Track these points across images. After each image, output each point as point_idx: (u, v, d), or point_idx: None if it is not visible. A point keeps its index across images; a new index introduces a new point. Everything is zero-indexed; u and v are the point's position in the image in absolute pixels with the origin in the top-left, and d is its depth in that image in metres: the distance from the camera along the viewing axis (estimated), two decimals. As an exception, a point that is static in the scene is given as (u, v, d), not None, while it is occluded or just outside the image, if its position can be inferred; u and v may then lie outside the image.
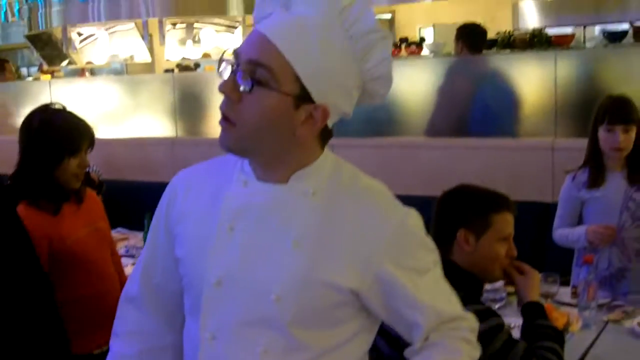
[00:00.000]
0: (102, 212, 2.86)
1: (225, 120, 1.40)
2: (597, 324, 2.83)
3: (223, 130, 1.42)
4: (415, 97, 4.97)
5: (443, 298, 1.53)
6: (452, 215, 2.26)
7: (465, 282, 2.13)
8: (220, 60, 1.43)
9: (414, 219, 1.48)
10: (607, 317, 2.89)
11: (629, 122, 3.12)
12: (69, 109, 2.75)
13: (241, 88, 1.37)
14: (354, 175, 1.51)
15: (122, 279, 2.84)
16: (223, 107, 1.41)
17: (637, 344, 2.68)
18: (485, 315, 2.06)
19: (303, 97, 1.38)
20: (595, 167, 3.22)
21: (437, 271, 1.52)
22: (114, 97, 6.24)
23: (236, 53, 1.40)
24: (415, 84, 4.96)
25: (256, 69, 1.37)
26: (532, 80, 4.59)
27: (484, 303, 2.20)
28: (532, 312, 2.23)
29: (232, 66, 1.40)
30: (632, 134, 3.14)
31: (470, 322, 1.57)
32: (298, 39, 1.38)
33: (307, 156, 1.45)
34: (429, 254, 1.51)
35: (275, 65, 1.36)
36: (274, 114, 1.38)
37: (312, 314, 1.42)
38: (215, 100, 5.97)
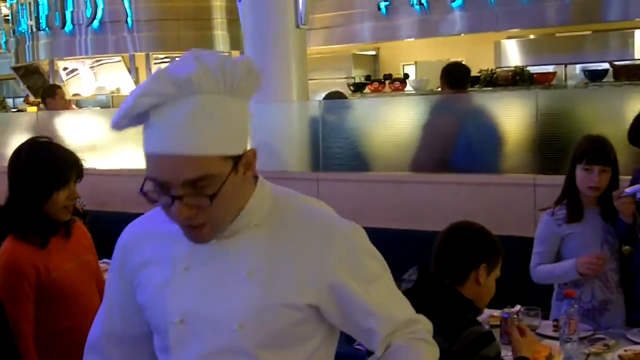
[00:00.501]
0: (90, 244, 2.86)
1: (195, 227, 1.42)
2: (579, 357, 2.86)
3: (195, 235, 1.44)
4: (399, 132, 5.02)
5: (396, 303, 1.59)
6: (474, 251, 2.40)
7: (471, 309, 2.30)
8: (147, 190, 1.40)
9: (356, 230, 1.54)
10: (589, 350, 2.92)
11: (607, 163, 3.20)
12: (55, 140, 2.76)
13: (199, 204, 1.38)
14: (293, 199, 1.56)
15: None
16: (186, 222, 1.41)
17: (618, 377, 2.71)
18: (489, 338, 2.23)
19: (236, 161, 1.41)
20: (573, 203, 3.30)
21: (387, 278, 1.58)
22: (100, 129, 6.26)
23: (162, 182, 1.38)
24: (399, 120, 5.02)
25: (198, 183, 1.37)
26: (514, 118, 4.65)
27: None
28: None
29: (165, 192, 1.38)
30: (609, 175, 3.21)
31: (426, 324, 1.65)
32: (205, 131, 1.36)
33: (244, 200, 1.49)
34: (377, 263, 1.56)
35: (210, 167, 1.37)
36: (231, 193, 1.41)
37: (275, 336, 1.46)
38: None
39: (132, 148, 6.11)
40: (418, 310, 1.67)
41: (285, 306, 1.45)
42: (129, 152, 6.14)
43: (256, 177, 1.51)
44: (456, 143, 4.88)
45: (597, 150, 3.22)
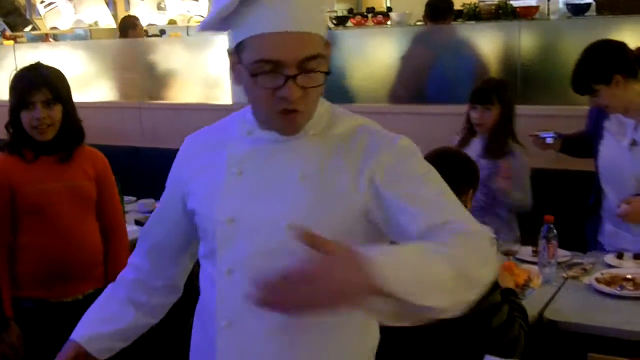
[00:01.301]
0: (96, 174, 2.91)
1: (293, 111, 1.46)
2: (557, 281, 2.92)
3: (291, 121, 1.47)
4: (380, 65, 5.01)
5: (450, 205, 1.47)
6: (462, 176, 2.50)
7: None
8: (256, 74, 1.43)
9: (406, 140, 1.54)
10: (567, 274, 2.99)
11: (487, 102, 3.62)
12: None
13: (310, 84, 1.43)
14: (349, 116, 1.59)
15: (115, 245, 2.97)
16: (290, 106, 1.44)
17: (594, 299, 2.77)
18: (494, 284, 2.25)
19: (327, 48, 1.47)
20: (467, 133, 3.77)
21: (439, 180, 1.51)
22: (79, 62, 6.18)
23: (277, 61, 1.41)
24: (381, 52, 4.99)
25: (312, 62, 1.42)
26: (496, 50, 4.65)
27: None
28: (508, 294, 2.41)
29: (276, 73, 1.41)
30: (492, 112, 3.62)
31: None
32: (313, 10, 1.43)
33: None
34: (424, 165, 1.52)
35: (320, 47, 1.44)
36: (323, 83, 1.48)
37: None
38: (181, 67, 5.96)
39: (111, 81, 6.06)
40: None
41: (334, 210, 1.47)
42: (108, 85, 6.08)
43: None
44: (436, 75, 4.88)
45: (480, 90, 3.71)
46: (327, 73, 1.45)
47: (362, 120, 1.58)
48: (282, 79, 1.40)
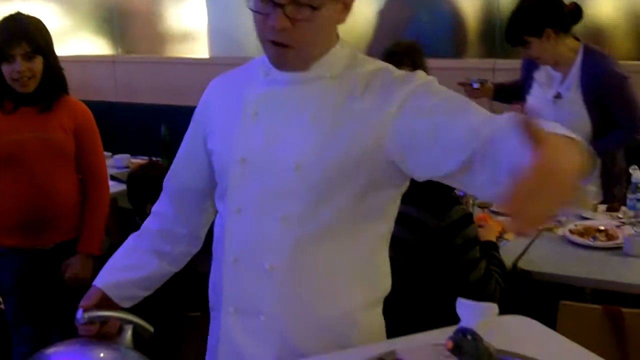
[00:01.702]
0: (76, 126, 2.92)
1: (281, 45, 1.45)
2: (531, 232, 2.95)
3: (279, 54, 1.47)
4: (359, 19, 4.97)
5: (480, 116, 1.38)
6: None
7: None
8: None
9: (421, 74, 1.51)
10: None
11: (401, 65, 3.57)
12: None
13: (298, 17, 1.41)
14: (367, 60, 1.57)
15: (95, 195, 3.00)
16: (277, 37, 1.43)
17: (567, 250, 2.82)
18: (470, 219, 2.33)
19: None
20: None
21: (436, 81, 1.49)
22: (52, 15, 6.07)
23: None
24: (359, 7, 4.93)
25: None
26: (476, 5, 4.63)
27: None
28: (489, 247, 2.44)
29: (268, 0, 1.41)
30: None
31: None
32: None
33: (328, 45, 1.52)
34: (443, 91, 1.47)
35: None
36: (323, 23, 1.45)
37: (331, 182, 1.48)
38: (157, 17, 5.88)
39: (84, 34, 5.97)
40: (406, 191, 1.63)
41: (344, 152, 1.46)
42: (81, 39, 5.99)
43: (338, 37, 1.55)
44: (415, 29, 4.86)
45: (390, 53, 3.51)
46: (314, 8, 1.40)
47: (384, 64, 1.56)
48: (271, 5, 1.41)
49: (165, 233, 1.77)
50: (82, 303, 1.68)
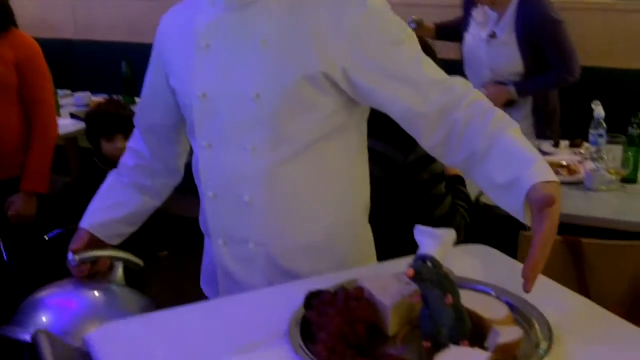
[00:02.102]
0: (18, 60, 2.87)
1: None
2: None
3: None
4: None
5: (427, 67, 1.48)
6: None
7: None
8: None
9: (375, 1, 1.48)
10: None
11: None
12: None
13: None
14: None
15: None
16: None
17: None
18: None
19: None
20: None
21: (415, 45, 1.49)
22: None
23: None
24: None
25: None
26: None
27: None
28: (455, 182, 2.44)
29: None
30: None
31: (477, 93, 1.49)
32: None
33: None
34: (399, 28, 1.48)
35: None
36: None
37: (292, 104, 1.47)
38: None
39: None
40: (373, 125, 1.66)
41: (300, 75, 1.45)
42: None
43: None
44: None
45: None
46: None
47: None
48: None
49: (143, 168, 1.78)
50: (72, 246, 1.70)
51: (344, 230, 1.61)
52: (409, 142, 2.23)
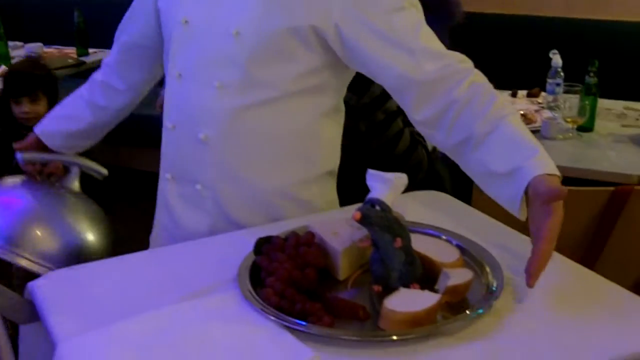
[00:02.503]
0: None
1: None
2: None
3: None
4: None
5: (426, 37, 1.41)
6: None
7: None
8: None
9: None
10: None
11: None
12: None
13: None
14: None
15: None
16: None
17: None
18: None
19: None
20: None
21: (418, 13, 1.44)
22: None
23: None
24: None
25: None
26: None
27: None
28: None
29: None
30: None
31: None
32: None
33: None
34: None
35: None
36: None
37: (271, 52, 1.43)
38: None
39: None
40: None
41: (286, 25, 1.41)
42: None
43: None
44: None
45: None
46: None
47: None
48: None
49: (106, 85, 1.76)
50: (17, 145, 1.75)
51: (298, 189, 1.56)
52: (361, 84, 2.22)
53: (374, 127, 2.22)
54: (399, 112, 2.25)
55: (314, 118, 1.53)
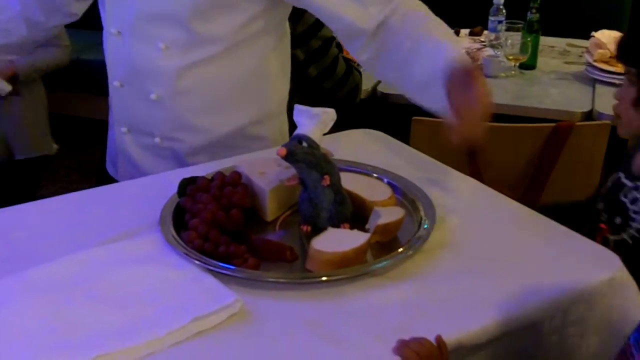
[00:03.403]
0: None
1: None
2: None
3: None
4: None
5: None
6: None
7: None
8: None
9: None
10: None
11: None
12: None
13: None
14: None
15: None
16: None
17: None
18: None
19: None
20: None
21: None
22: None
23: None
24: None
25: None
26: None
27: None
28: None
29: None
30: None
31: None
32: None
33: None
34: None
35: None
36: None
37: (212, 7, 1.40)
38: None
39: None
40: None
41: None
42: None
43: None
44: None
45: None
46: None
47: None
48: None
49: (42, 3, 1.64)
50: None
51: (254, 128, 1.55)
52: (295, 12, 2.19)
53: (312, 55, 2.21)
54: (333, 38, 2.24)
55: (262, 57, 1.52)
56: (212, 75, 1.46)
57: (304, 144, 1.11)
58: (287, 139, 1.60)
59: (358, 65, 2.30)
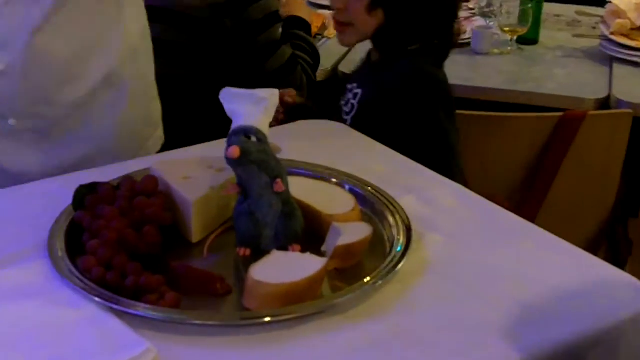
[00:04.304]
0: None
1: None
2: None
3: None
4: None
5: None
6: None
7: None
8: None
9: None
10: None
11: None
12: None
13: None
14: None
15: None
16: None
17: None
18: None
19: None
20: None
21: None
22: None
23: None
24: None
25: None
26: None
27: None
28: (294, 24, 2.45)
29: None
30: None
31: None
32: None
33: None
34: None
35: None
36: None
37: None
38: None
39: None
40: None
41: None
42: None
43: None
44: None
45: None
46: None
47: None
48: None
49: None
50: None
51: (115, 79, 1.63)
52: None
53: (245, 28, 2.26)
54: (280, 18, 2.31)
55: (107, 13, 1.61)
56: (57, 37, 1.54)
57: (253, 138, 1.08)
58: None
59: (311, 66, 2.37)
